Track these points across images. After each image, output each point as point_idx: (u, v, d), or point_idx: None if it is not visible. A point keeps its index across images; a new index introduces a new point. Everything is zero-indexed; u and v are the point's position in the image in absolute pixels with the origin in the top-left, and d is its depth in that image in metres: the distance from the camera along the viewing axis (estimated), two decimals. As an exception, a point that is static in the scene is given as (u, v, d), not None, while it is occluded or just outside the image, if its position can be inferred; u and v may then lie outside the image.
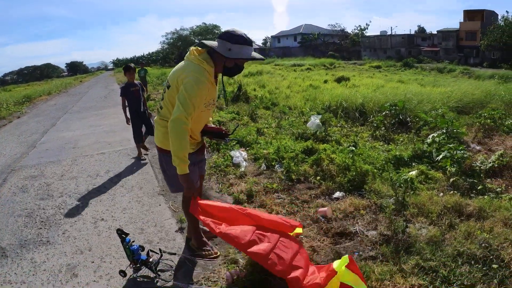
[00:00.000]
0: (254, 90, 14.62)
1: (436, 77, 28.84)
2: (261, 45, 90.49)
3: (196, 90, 2.90)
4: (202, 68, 3.00)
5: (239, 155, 6.33)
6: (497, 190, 4.76)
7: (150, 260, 3.44)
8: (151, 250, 3.55)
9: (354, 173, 5.07)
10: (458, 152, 5.29)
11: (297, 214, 4.42)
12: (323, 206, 4.53)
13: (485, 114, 8.03)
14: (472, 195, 4.66)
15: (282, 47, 78.48)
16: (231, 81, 16.88)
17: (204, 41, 3.13)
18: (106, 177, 6.34)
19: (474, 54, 53.08)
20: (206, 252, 3.81)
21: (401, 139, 7.43)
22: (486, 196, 4.52)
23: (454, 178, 4.90)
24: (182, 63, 3.17)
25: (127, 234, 3.43)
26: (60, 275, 3.66)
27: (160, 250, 3.58)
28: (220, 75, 3.26)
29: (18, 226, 4.83)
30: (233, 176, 5.72)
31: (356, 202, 4.53)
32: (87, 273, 3.66)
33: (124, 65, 7.36)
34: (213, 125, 3.63)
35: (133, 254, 3.39)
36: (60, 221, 4.88)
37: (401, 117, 8.67)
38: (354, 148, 5.70)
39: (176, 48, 70.30)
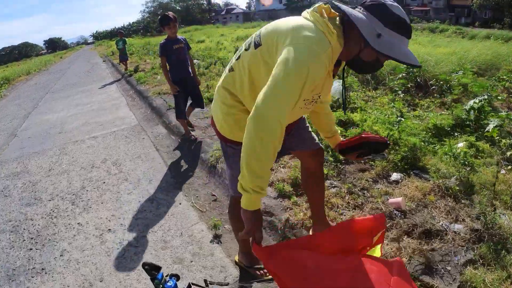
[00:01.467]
0: None
1: (431, 37, 27.67)
2: (245, 8, 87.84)
3: (304, 72, 1.61)
4: (326, 40, 1.70)
5: None
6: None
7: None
8: (194, 284, 2.41)
9: (406, 149, 3.98)
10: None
11: (364, 207, 3.28)
12: (387, 193, 3.42)
13: (505, 77, 7.06)
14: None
15: (267, 10, 75.87)
16: (227, 44, 15.37)
17: (338, 3, 1.81)
18: (104, 168, 5.11)
19: (466, 14, 52.10)
20: (260, 272, 2.76)
21: (426, 105, 6.30)
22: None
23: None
24: (293, 18, 1.86)
25: (159, 269, 2.28)
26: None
27: (205, 282, 2.44)
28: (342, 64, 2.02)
29: (2, 248, 3.66)
30: None
31: (421, 186, 3.43)
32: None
33: (161, 16, 5.36)
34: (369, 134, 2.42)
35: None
36: (54, 236, 3.70)
37: (419, 80, 7.51)
38: (402, 118, 4.54)
39: (157, 16, 68.08)
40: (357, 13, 1.70)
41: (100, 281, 2.98)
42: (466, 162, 3.66)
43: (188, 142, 5.47)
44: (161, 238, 3.39)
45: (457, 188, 3.28)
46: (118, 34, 16.23)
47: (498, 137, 4.28)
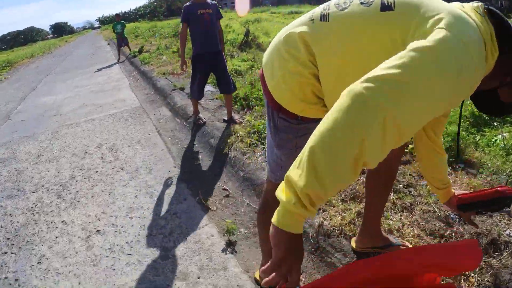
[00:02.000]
0: (259, 37, 12.45)
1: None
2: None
3: (462, 80, 1.01)
4: (484, 55, 1.10)
5: None
6: None
7: None
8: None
9: (449, 138, 3.26)
10: None
11: (413, 209, 2.54)
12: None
13: None
14: None
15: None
16: (235, 26, 14.52)
17: (495, 9, 1.20)
18: (98, 155, 4.43)
19: (481, 3, 51.13)
20: None
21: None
22: None
23: None
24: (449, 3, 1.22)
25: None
26: None
27: None
28: None
29: (-28, 250, 3.03)
30: None
31: (472, 183, 2.73)
32: None
33: None
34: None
35: None
36: (33, 237, 3.05)
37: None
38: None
39: (165, 0, 66.80)
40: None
41: (82, 302, 2.33)
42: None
43: (196, 126, 4.75)
44: (160, 244, 2.71)
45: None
46: (115, 18, 14.25)
47: None
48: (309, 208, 0.96)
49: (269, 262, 1.05)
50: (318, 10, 1.39)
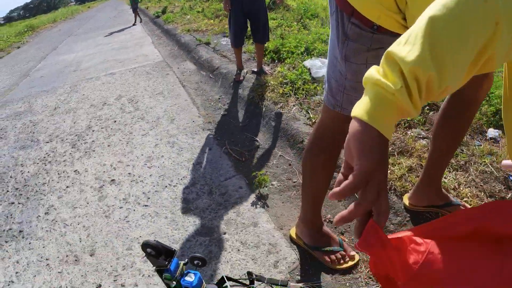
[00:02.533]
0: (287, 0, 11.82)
1: None
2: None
3: None
4: None
5: (321, 64, 3.88)
6: None
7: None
8: (230, 279, 1.40)
9: (499, 100, 2.78)
10: None
11: (468, 169, 2.11)
12: (491, 153, 2.29)
13: None
14: None
15: None
16: None
17: None
18: (117, 106, 4.10)
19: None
20: (331, 257, 1.78)
21: None
22: None
23: None
24: None
25: (171, 254, 1.27)
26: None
27: (249, 276, 1.45)
28: None
29: (-19, 200, 2.79)
30: (321, 97, 3.26)
31: None
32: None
33: None
34: None
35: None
36: (43, 187, 2.77)
37: None
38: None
39: None
40: None
41: (91, 255, 2.02)
42: None
43: (222, 78, 4.36)
44: (181, 195, 2.37)
45: None
46: None
47: None
48: (415, 99, 0.62)
49: (346, 181, 0.67)
50: None
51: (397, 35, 1.16)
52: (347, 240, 1.91)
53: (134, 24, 12.30)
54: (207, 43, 5.98)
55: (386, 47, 1.16)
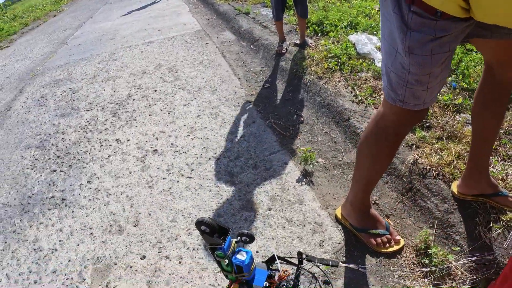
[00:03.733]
0: None
1: None
2: None
3: None
4: None
5: (367, 40, 3.70)
6: None
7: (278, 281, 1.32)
8: (282, 259, 1.36)
9: None
10: None
11: None
12: None
13: None
14: None
15: None
16: None
17: None
18: (157, 75, 4.07)
19: None
20: (376, 240, 1.74)
21: None
22: None
23: None
24: None
25: (225, 232, 1.23)
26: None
27: (300, 256, 1.40)
28: None
29: (23, 168, 2.85)
30: (367, 74, 3.11)
31: None
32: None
33: None
34: None
35: (243, 274, 1.25)
36: (85, 155, 2.79)
37: None
38: None
39: None
40: None
41: (134, 226, 2.02)
42: None
43: (264, 49, 4.24)
44: (225, 168, 2.33)
45: None
46: None
47: None
48: None
49: None
50: None
51: (461, 21, 1.16)
52: (392, 224, 1.83)
53: None
54: (247, 13, 5.85)
55: (451, 34, 1.07)
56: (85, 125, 3.25)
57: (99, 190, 2.37)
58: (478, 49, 1.69)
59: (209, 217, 1.20)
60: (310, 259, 1.46)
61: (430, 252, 1.63)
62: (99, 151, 2.80)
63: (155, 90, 3.63)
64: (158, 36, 5.88)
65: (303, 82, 3.27)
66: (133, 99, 3.53)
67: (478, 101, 1.66)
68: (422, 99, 1.34)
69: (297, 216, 1.93)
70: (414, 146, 2.18)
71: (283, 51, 3.92)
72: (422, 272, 1.58)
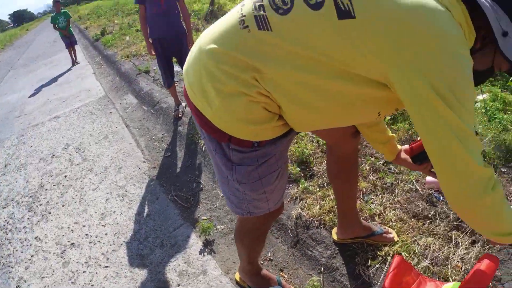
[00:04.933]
0: (225, 4, 11.80)
1: None
2: None
3: (468, 80, 1.01)
4: (458, 28, 1.00)
5: None
6: None
7: None
8: None
9: None
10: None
11: (395, 190, 2.39)
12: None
13: None
14: None
15: None
16: None
17: None
18: (66, 157, 4.23)
19: None
20: None
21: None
22: None
23: None
24: None
25: None
26: None
27: None
28: None
29: None
30: None
31: None
32: None
33: None
34: None
35: None
36: (9, 258, 2.92)
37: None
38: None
39: None
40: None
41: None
42: (497, 119, 2.90)
43: (164, 114, 4.56)
44: (136, 251, 2.60)
45: (493, 153, 2.50)
46: (53, 4, 9.47)
47: None
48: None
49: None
50: (248, 8, 1.12)
51: (282, 138, 1.28)
52: (286, 276, 2.20)
53: (73, 63, 9.68)
54: (147, 72, 6.13)
55: (275, 155, 1.31)
56: (4, 225, 3.35)
57: (27, 296, 2.55)
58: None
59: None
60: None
61: (319, 298, 1.98)
62: (22, 252, 2.94)
63: (65, 176, 3.79)
64: (64, 108, 5.98)
65: (199, 146, 3.62)
66: (46, 189, 3.67)
67: (328, 172, 2.01)
68: (266, 207, 1.48)
69: (203, 287, 2.24)
70: (298, 199, 2.55)
71: (179, 115, 4.24)
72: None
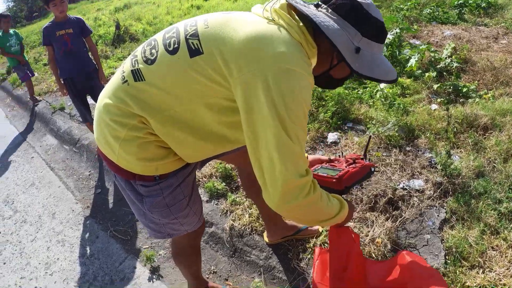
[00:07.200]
0: (131, 25, 11.58)
1: None
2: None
3: (303, 100, 1.22)
4: (305, 54, 1.26)
5: None
6: (472, 88, 3.65)
7: None
8: None
9: (333, 102, 3.57)
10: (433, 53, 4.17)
11: None
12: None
13: (404, 6, 6.25)
14: (462, 100, 3.54)
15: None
16: (105, 18, 13.32)
17: (296, 1, 1.29)
18: (-4, 211, 4.16)
19: None
20: None
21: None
22: (477, 100, 3.44)
23: (439, 84, 3.70)
24: (245, 19, 1.29)
25: None
26: None
27: None
28: None
29: None
30: None
31: (361, 141, 3.13)
32: None
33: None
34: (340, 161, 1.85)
35: None
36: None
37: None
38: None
39: (25, 3, 58.00)
40: (327, 19, 1.24)
41: None
42: (397, 104, 3.37)
43: (87, 150, 4.60)
44: (89, 295, 2.74)
45: (397, 135, 2.96)
46: (3, 24, 6.77)
47: (420, 71, 4.01)
48: (341, 213, 1.49)
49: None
50: (127, 65, 1.38)
51: (180, 171, 1.48)
52: (231, 284, 2.44)
53: (32, 99, 7.20)
54: (62, 109, 6.04)
55: (179, 185, 1.51)
56: None
57: None
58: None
59: None
60: None
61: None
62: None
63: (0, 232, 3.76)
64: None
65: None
66: (-19, 250, 3.62)
67: (243, 187, 2.32)
68: (183, 229, 1.66)
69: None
70: (228, 211, 2.82)
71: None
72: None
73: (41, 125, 6.16)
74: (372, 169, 1.77)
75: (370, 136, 1.84)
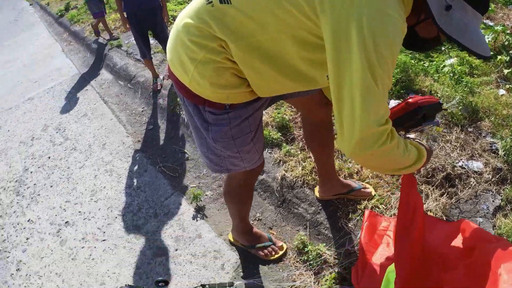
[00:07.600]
0: None
1: None
2: None
3: (395, 46, 1.11)
4: (395, 3, 1.11)
5: None
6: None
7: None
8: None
9: (397, 70, 3.23)
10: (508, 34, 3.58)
11: None
12: None
13: None
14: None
15: None
16: None
17: None
18: (46, 138, 4.13)
19: None
20: (264, 252, 2.15)
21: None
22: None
23: (510, 70, 3.22)
24: None
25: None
26: None
27: (204, 286, 1.80)
28: None
29: None
30: None
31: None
32: None
33: None
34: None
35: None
36: (4, 244, 2.89)
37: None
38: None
39: None
40: None
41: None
42: (464, 82, 3.02)
43: (142, 87, 4.48)
44: (131, 223, 2.63)
45: (460, 113, 2.63)
46: None
47: (492, 53, 3.55)
48: (421, 156, 1.37)
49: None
50: None
51: (253, 102, 1.43)
52: (275, 233, 2.29)
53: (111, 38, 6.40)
54: (119, 46, 5.94)
55: (247, 117, 1.41)
56: (-8, 211, 3.32)
57: (30, 275, 2.54)
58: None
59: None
60: (211, 287, 1.86)
61: (306, 249, 2.11)
62: (16, 236, 2.92)
63: (49, 157, 3.71)
64: (36, 89, 5.76)
65: (181, 118, 3.60)
66: (31, 172, 3.59)
67: (305, 137, 2.14)
68: (242, 166, 1.60)
69: (199, 249, 2.30)
70: (281, 162, 2.64)
71: (158, 88, 4.19)
72: (304, 266, 2.05)
73: (96, 60, 6.11)
74: (419, 108, 1.47)
75: (442, 104, 1.54)
